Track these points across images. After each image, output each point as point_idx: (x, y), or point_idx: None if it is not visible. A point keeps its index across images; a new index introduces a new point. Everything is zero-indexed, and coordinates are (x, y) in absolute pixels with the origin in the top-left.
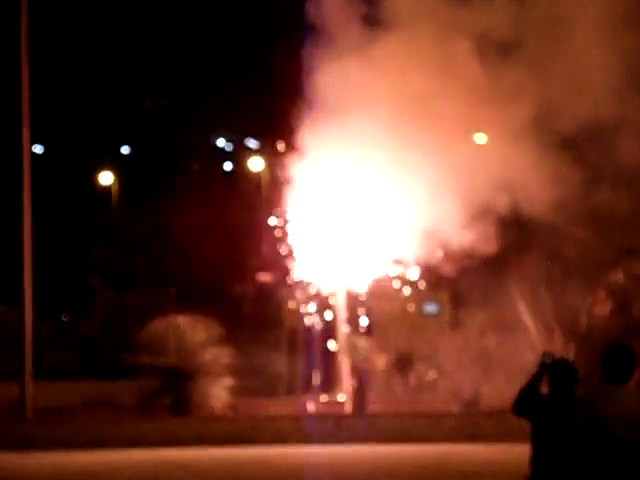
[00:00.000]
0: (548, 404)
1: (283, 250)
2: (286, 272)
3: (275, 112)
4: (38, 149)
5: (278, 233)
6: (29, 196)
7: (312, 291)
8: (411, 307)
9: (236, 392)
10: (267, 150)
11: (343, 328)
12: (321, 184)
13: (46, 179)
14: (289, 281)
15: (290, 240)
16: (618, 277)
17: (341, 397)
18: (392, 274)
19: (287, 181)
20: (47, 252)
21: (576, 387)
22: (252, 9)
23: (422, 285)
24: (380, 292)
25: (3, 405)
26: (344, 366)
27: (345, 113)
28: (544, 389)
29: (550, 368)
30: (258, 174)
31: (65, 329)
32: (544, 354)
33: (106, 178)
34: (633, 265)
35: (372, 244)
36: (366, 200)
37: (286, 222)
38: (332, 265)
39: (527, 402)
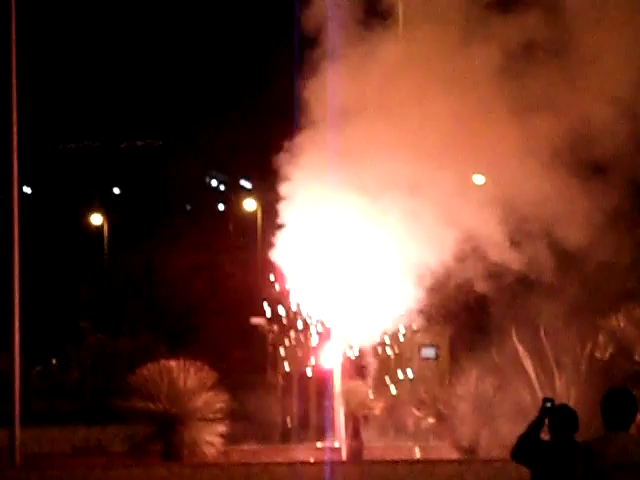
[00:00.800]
0: (549, 450)
1: (277, 293)
2: (280, 316)
3: (267, 152)
4: (27, 190)
5: (272, 276)
6: (18, 237)
7: (307, 336)
8: (409, 352)
9: (229, 438)
10: (260, 191)
11: (339, 374)
12: (314, 227)
13: (35, 220)
14: (283, 325)
15: (285, 283)
16: (619, 321)
17: (337, 444)
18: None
19: (279, 223)
20: (36, 295)
21: (577, 433)
22: (242, 50)
23: (419, 327)
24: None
25: None
26: (340, 412)
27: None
28: (545, 436)
29: (551, 414)
30: (252, 214)
31: (54, 374)
32: (545, 400)
33: (96, 219)
34: (634, 310)
35: (368, 291)
36: (359, 244)
37: (280, 266)
38: (328, 311)
39: (527, 448)
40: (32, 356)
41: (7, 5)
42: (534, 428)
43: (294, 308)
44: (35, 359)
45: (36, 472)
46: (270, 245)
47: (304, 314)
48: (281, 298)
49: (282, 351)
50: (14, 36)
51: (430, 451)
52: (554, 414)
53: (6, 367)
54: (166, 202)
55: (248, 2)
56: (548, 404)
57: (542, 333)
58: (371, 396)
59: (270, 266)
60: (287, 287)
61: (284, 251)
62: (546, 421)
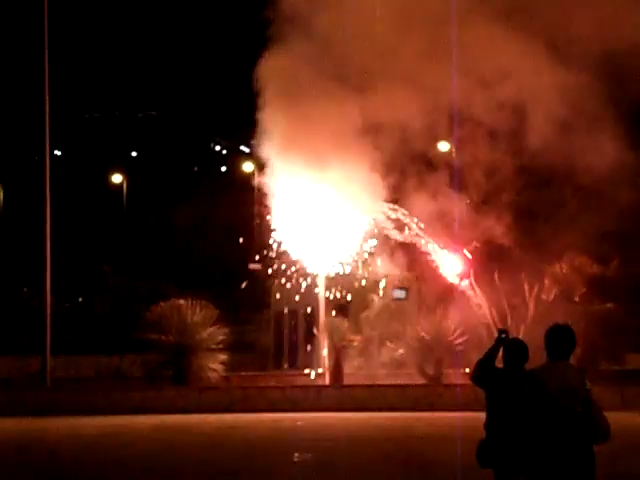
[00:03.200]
0: (502, 376)
1: (271, 241)
2: (273, 261)
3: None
4: (57, 153)
5: (266, 226)
6: (49, 194)
7: (297, 277)
8: (383, 293)
9: (230, 366)
10: (257, 154)
11: (323, 311)
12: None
13: (64, 179)
14: (276, 269)
15: (276, 232)
16: (562, 268)
17: (320, 370)
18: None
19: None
20: (66, 243)
21: (526, 363)
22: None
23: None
24: (356, 277)
25: (27, 375)
26: (324, 344)
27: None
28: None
29: (505, 346)
30: (250, 175)
31: (81, 310)
32: (500, 331)
33: (117, 178)
34: (575, 258)
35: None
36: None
37: (272, 216)
38: (313, 252)
39: (483, 373)
40: (62, 295)
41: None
42: (490, 355)
43: (284, 254)
44: (64, 297)
45: (64, 394)
46: (264, 202)
47: (293, 258)
48: (276, 245)
49: (275, 292)
50: (46, 27)
51: (401, 377)
52: (508, 346)
53: (39, 304)
54: (176, 164)
55: None
56: (503, 335)
57: (496, 278)
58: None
59: (264, 218)
60: (278, 236)
61: (278, 203)
62: (500, 352)
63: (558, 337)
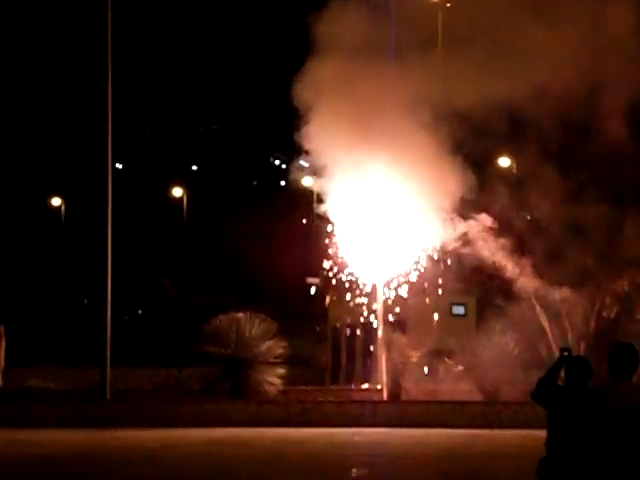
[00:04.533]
0: (564, 394)
1: (329, 256)
2: (332, 276)
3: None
4: (119, 166)
5: (325, 240)
6: (110, 206)
7: (355, 291)
8: (441, 310)
9: (287, 380)
10: (315, 168)
11: (382, 325)
12: (358, 194)
13: (125, 192)
14: (334, 283)
15: (335, 246)
16: (623, 286)
17: (379, 386)
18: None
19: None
20: (127, 256)
21: (589, 381)
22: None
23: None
24: (416, 294)
25: (86, 387)
26: (382, 359)
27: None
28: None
29: (567, 363)
30: (309, 189)
31: (140, 322)
32: (562, 349)
33: (177, 192)
34: (636, 276)
35: (405, 245)
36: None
37: (331, 230)
38: (372, 267)
39: (545, 391)
40: (122, 307)
41: (104, 10)
42: (552, 373)
43: (343, 269)
44: (124, 310)
45: (123, 405)
46: (322, 215)
47: (351, 274)
48: (332, 260)
49: (332, 306)
50: (109, 43)
51: (459, 394)
52: (570, 363)
53: (99, 315)
54: (236, 178)
55: None
56: (565, 353)
57: (557, 295)
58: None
59: (323, 233)
60: (337, 251)
61: (336, 216)
62: (562, 370)
63: (621, 356)
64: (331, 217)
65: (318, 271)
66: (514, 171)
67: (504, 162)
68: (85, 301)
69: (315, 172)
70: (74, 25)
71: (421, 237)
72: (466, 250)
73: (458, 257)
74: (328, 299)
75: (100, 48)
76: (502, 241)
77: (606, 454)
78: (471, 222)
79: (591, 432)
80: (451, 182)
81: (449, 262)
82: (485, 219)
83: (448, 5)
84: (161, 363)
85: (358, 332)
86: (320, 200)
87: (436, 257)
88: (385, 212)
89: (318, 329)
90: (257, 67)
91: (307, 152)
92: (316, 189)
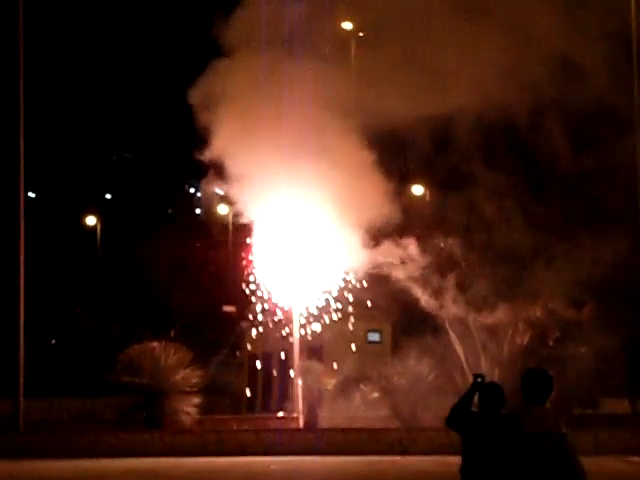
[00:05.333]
0: (478, 420)
1: (245, 284)
2: (247, 304)
3: None
4: (31, 195)
5: (241, 269)
6: (23, 235)
7: (270, 320)
8: (357, 337)
9: (203, 409)
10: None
11: (298, 353)
12: (275, 222)
13: (38, 221)
14: (250, 312)
15: (251, 275)
16: (536, 312)
17: (295, 414)
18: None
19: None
20: (39, 285)
21: (502, 406)
22: None
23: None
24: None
25: (0, 418)
26: (298, 387)
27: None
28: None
29: (481, 389)
30: (224, 217)
31: (54, 352)
32: (476, 375)
33: (91, 220)
34: (549, 302)
35: (322, 272)
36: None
37: (248, 259)
38: (289, 293)
39: (459, 417)
40: (35, 337)
41: (15, 31)
42: (465, 399)
43: (259, 296)
44: (37, 340)
45: (37, 436)
46: (239, 243)
47: (267, 301)
48: (247, 289)
49: (248, 334)
50: (21, 67)
51: (375, 421)
52: (484, 389)
53: (12, 346)
54: (151, 206)
55: None
56: (479, 379)
57: (470, 321)
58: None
59: (239, 261)
60: (252, 279)
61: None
62: (476, 396)
63: (535, 381)
64: (248, 242)
65: (234, 299)
66: (427, 198)
67: (417, 190)
68: None
69: (228, 199)
70: None
71: (338, 262)
72: (383, 275)
73: (375, 283)
74: (244, 326)
75: (11, 74)
76: (418, 267)
77: (520, 478)
78: (389, 246)
79: (505, 458)
80: (372, 202)
81: (365, 287)
82: (403, 244)
83: (361, 34)
84: (75, 393)
85: (274, 360)
86: (236, 226)
87: (353, 282)
88: (303, 236)
89: (237, 357)
90: (169, 93)
91: (219, 173)
92: (231, 215)
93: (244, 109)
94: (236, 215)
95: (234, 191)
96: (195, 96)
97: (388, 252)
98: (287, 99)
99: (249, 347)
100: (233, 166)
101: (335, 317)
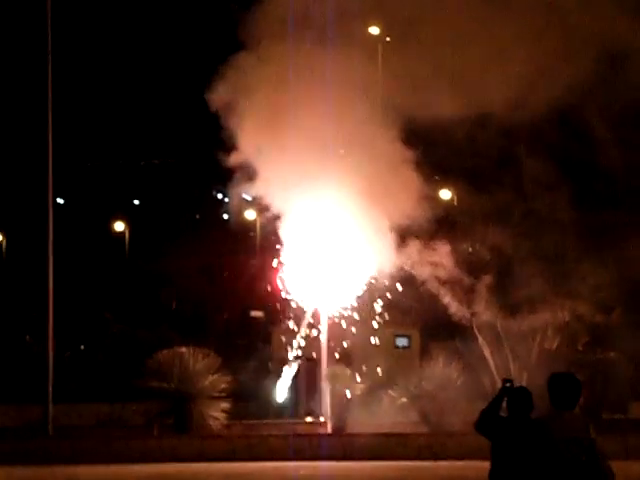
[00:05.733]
0: (506, 425)
1: (274, 289)
2: (276, 309)
3: None
4: (60, 201)
5: (269, 274)
6: (52, 241)
7: (299, 325)
8: (385, 341)
9: (232, 414)
10: (258, 202)
11: (326, 358)
12: (303, 225)
13: (67, 227)
14: (279, 317)
15: (280, 280)
16: (565, 317)
17: (323, 419)
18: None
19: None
20: (68, 291)
21: (531, 411)
22: None
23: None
24: (360, 324)
25: (28, 423)
26: (326, 392)
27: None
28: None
29: (509, 394)
30: (252, 222)
31: (83, 358)
32: (505, 380)
33: (119, 226)
34: (577, 307)
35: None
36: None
37: (277, 264)
38: (317, 298)
39: (488, 422)
40: (64, 342)
41: (44, 48)
42: (494, 404)
43: (287, 302)
44: (66, 345)
45: (66, 442)
46: (267, 248)
47: (295, 307)
48: (275, 294)
49: (276, 339)
50: (50, 73)
51: (403, 426)
52: (512, 394)
53: (41, 351)
54: (179, 211)
55: None
56: (507, 384)
57: (499, 326)
58: (357, 378)
59: (267, 266)
60: (281, 284)
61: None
62: (504, 400)
63: (564, 386)
64: (276, 248)
65: (263, 303)
66: (455, 203)
67: (445, 194)
68: (27, 337)
69: (257, 204)
70: (14, 60)
71: (367, 265)
72: (412, 278)
73: (404, 287)
74: (273, 332)
75: (40, 80)
76: (447, 272)
77: None
78: (417, 250)
79: (535, 463)
80: (404, 201)
81: (389, 295)
82: (432, 246)
83: (388, 39)
84: (104, 398)
85: (303, 365)
86: (264, 232)
87: (384, 285)
88: (332, 239)
89: (270, 363)
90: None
91: (247, 177)
92: (259, 221)
93: (270, 107)
94: (264, 218)
95: (262, 194)
96: (216, 98)
97: (417, 254)
98: (315, 94)
99: (277, 352)
100: (261, 168)
101: (364, 322)
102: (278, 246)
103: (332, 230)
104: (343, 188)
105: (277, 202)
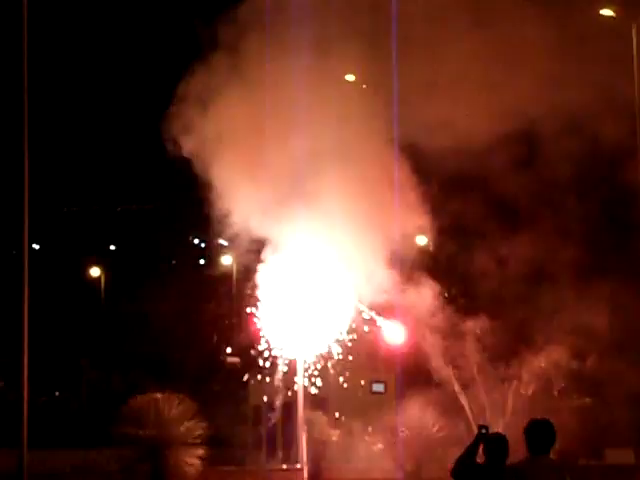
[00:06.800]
0: (483, 471)
1: (250, 335)
2: (252, 355)
3: None
4: (36, 246)
5: (245, 319)
6: (27, 288)
7: (274, 371)
8: (361, 387)
9: (207, 461)
10: (235, 247)
11: (302, 405)
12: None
13: (42, 272)
14: (255, 362)
15: (256, 327)
16: (540, 362)
17: (299, 465)
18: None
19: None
20: (42, 336)
21: (507, 458)
22: None
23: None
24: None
25: (2, 470)
26: (302, 438)
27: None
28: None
29: (485, 440)
30: (228, 268)
31: (57, 404)
32: (480, 427)
33: (95, 272)
34: (553, 353)
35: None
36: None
37: (252, 310)
38: (293, 345)
39: (464, 468)
40: (39, 389)
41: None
42: (470, 451)
43: (263, 348)
44: (41, 391)
45: None
46: (243, 294)
47: (271, 353)
48: (252, 340)
49: (252, 386)
50: (26, 119)
51: (380, 472)
52: (488, 441)
53: (15, 398)
54: (155, 257)
55: None
56: (483, 430)
57: (475, 372)
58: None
59: (243, 312)
60: (257, 330)
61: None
62: (480, 447)
63: (539, 432)
64: (253, 294)
65: (239, 350)
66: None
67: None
68: (1, 383)
69: (233, 250)
70: None
71: (341, 314)
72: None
73: (379, 334)
74: (249, 378)
75: (15, 126)
76: (424, 319)
77: None
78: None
79: None
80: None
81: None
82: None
83: (364, 87)
84: (79, 445)
85: (278, 411)
86: (240, 278)
87: (355, 336)
88: (307, 287)
89: (242, 408)
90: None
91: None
92: (236, 267)
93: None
94: (240, 265)
95: (239, 240)
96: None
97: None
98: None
99: (253, 398)
100: (237, 213)
101: (339, 368)
102: (255, 291)
103: (309, 276)
104: (320, 230)
105: (253, 243)
